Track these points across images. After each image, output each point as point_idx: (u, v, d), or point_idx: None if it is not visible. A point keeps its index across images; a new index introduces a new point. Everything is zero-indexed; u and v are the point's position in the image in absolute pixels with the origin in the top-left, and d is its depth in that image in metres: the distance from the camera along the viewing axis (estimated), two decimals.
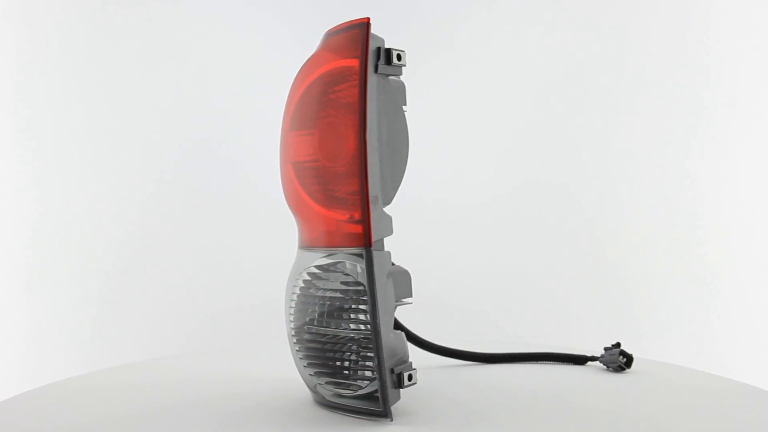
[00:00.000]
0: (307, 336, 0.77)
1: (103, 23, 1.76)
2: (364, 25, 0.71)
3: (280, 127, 0.80)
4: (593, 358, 1.02)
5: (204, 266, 1.75)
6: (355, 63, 0.71)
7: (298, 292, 0.78)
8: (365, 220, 0.72)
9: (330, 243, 0.75)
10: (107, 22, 1.76)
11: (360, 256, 0.72)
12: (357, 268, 0.73)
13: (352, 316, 0.74)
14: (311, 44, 0.80)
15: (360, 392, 0.75)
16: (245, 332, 1.64)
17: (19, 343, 1.73)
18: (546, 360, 1.03)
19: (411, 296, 0.75)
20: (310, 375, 0.78)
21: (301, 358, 0.79)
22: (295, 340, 0.79)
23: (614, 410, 0.79)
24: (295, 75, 0.79)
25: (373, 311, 0.71)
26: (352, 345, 0.74)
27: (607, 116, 1.77)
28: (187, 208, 1.76)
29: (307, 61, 0.77)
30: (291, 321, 0.79)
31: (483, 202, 1.78)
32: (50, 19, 1.74)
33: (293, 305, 0.78)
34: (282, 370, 0.94)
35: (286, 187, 0.79)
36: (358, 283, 0.73)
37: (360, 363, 0.74)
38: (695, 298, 1.74)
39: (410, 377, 0.74)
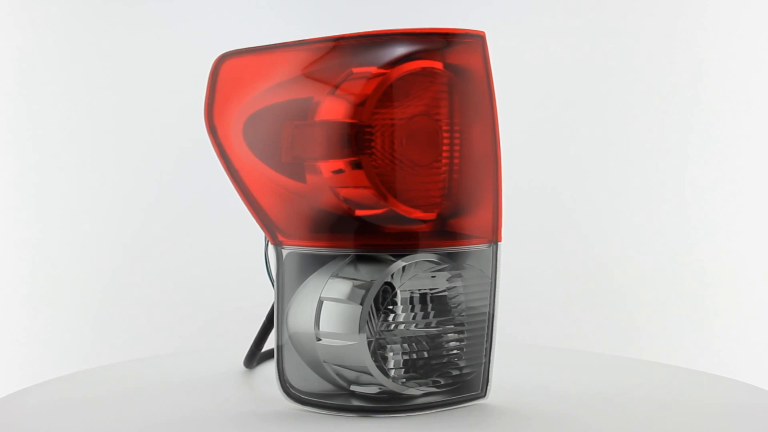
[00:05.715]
0: (406, 336, 0.76)
1: (102, 22, 1.76)
2: (484, 37, 0.77)
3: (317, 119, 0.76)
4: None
5: (205, 266, 1.75)
6: (480, 68, 0.77)
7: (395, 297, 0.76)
8: (496, 214, 0.78)
9: (423, 243, 0.76)
10: (107, 21, 1.76)
11: (448, 254, 0.77)
12: (441, 266, 0.77)
13: (471, 310, 0.78)
14: None
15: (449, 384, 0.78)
16: (246, 332, 1.64)
17: (18, 342, 1.73)
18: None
19: None
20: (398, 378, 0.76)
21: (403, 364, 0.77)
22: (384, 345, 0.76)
23: (613, 410, 0.79)
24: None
25: (493, 302, 0.79)
26: (465, 337, 0.78)
27: (603, 119, 1.77)
28: (188, 207, 1.76)
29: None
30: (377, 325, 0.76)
31: None
32: (50, 17, 1.74)
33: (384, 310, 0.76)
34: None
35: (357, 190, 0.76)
36: (486, 276, 0.78)
37: (470, 352, 0.78)
38: (693, 298, 1.74)
39: None
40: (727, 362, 1.68)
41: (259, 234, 0.83)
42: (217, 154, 0.80)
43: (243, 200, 0.80)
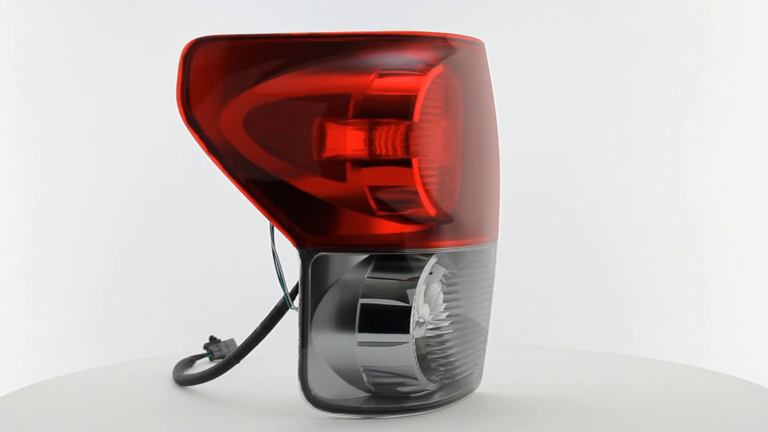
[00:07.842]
0: (450, 332, 0.77)
1: (102, 22, 1.76)
2: (483, 44, 0.82)
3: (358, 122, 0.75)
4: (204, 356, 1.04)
5: (206, 266, 1.75)
6: (483, 73, 0.82)
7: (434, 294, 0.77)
8: (497, 213, 0.84)
9: (429, 242, 0.76)
10: (107, 21, 1.76)
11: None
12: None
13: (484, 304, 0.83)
14: None
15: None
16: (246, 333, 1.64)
17: (18, 342, 1.72)
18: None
19: None
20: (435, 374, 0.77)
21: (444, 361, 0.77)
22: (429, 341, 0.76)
23: (613, 409, 0.79)
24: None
25: (491, 296, 0.84)
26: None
27: (599, 116, 1.77)
28: (188, 208, 1.76)
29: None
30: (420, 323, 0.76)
31: None
32: (51, 17, 1.74)
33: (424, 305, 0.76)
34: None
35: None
36: (490, 271, 0.83)
37: (477, 345, 0.82)
38: (692, 295, 1.74)
39: None
40: (727, 360, 1.68)
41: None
42: (202, 147, 0.77)
43: (248, 198, 0.77)
